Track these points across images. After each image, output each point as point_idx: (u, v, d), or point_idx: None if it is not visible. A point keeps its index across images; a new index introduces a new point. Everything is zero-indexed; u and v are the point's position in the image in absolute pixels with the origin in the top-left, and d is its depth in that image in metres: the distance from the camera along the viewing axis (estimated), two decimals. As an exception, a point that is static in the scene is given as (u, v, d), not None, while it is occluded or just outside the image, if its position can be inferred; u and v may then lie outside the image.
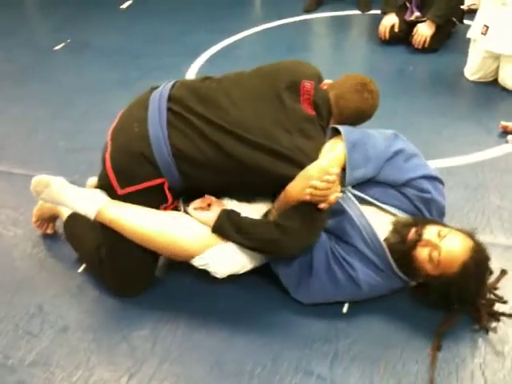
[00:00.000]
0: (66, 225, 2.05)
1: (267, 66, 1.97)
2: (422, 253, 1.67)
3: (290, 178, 1.74)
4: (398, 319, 1.77)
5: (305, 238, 1.73)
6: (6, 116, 3.07)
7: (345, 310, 1.80)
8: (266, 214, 1.84)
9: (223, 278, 1.76)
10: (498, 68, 3.12)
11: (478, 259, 1.65)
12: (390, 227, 1.76)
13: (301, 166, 1.74)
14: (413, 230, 1.70)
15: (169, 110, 1.79)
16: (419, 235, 1.68)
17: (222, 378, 1.62)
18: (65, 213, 2.06)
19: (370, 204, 1.82)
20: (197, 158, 1.74)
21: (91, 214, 1.78)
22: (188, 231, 1.75)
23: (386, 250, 1.73)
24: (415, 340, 1.70)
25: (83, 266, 2.01)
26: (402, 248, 1.69)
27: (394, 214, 1.82)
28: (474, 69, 3.20)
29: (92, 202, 1.79)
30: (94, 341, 1.74)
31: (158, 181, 1.76)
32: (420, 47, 3.57)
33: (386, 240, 1.74)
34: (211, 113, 1.76)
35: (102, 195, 1.82)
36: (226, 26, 4.10)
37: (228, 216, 1.75)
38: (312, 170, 1.72)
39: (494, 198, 2.24)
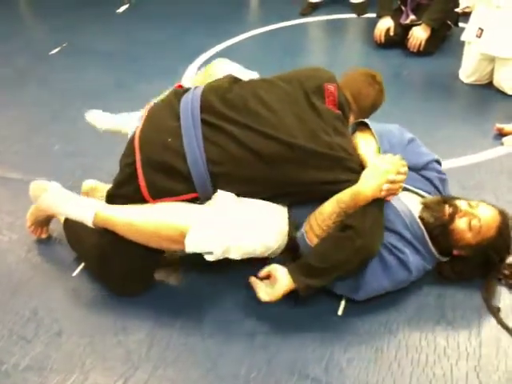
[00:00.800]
0: (66, 225, 2.05)
1: (286, 73, 1.99)
2: (461, 224, 1.77)
3: (340, 182, 1.73)
4: (392, 322, 1.77)
5: (381, 234, 1.73)
6: (1, 120, 3.07)
7: (340, 312, 1.80)
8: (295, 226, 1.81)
9: (218, 283, 1.76)
10: (492, 70, 3.13)
11: (506, 221, 1.82)
12: (420, 207, 1.83)
13: (347, 168, 1.75)
14: (447, 206, 1.80)
15: (202, 121, 1.77)
16: (456, 208, 1.78)
17: (217, 382, 1.61)
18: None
19: None
20: (233, 172, 1.73)
21: (88, 220, 1.79)
22: (172, 211, 1.73)
23: (424, 230, 1.78)
24: (409, 342, 1.70)
25: (78, 270, 2.01)
26: (442, 223, 1.78)
27: (421, 195, 1.89)
28: (469, 71, 3.21)
29: (87, 208, 1.80)
30: (89, 345, 1.74)
31: (192, 195, 1.76)
32: (415, 50, 3.58)
33: (421, 220, 1.80)
34: (246, 118, 1.76)
35: (96, 201, 1.82)
36: (223, 30, 4.11)
37: (296, 271, 1.70)
38: (385, 164, 1.72)
39: (490, 199, 2.24)
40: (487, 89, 3.15)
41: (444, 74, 3.36)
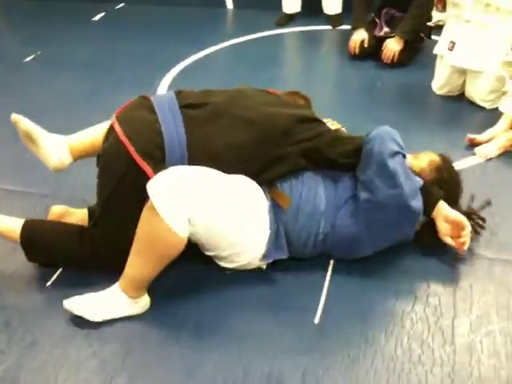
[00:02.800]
0: (27, 235, 1.95)
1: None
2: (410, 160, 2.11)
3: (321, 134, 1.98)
4: (368, 330, 1.78)
5: None
6: (-27, 128, 3.02)
7: (316, 320, 1.81)
8: None
9: (194, 293, 1.75)
10: (464, 82, 3.19)
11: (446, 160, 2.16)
12: None
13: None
14: None
15: (180, 108, 1.90)
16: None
17: (193, 392, 1.61)
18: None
19: None
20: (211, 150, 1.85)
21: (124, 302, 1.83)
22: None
23: None
24: (385, 350, 1.72)
25: (52, 280, 1.98)
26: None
27: None
28: (441, 83, 3.27)
29: (115, 301, 1.83)
30: (63, 356, 1.71)
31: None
32: (389, 62, 3.63)
33: None
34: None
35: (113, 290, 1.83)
36: (199, 40, 4.12)
37: None
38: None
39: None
40: (459, 100, 3.21)
41: (417, 85, 3.42)
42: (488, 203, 2.15)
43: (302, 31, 4.35)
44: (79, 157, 2.05)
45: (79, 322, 1.81)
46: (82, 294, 1.89)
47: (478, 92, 3.09)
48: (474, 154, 2.67)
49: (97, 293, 1.83)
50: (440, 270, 2.00)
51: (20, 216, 2.00)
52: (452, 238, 1.97)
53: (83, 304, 1.81)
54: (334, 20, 4.39)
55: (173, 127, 1.84)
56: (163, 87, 3.43)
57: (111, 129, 1.91)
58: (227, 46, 4.06)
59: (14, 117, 1.97)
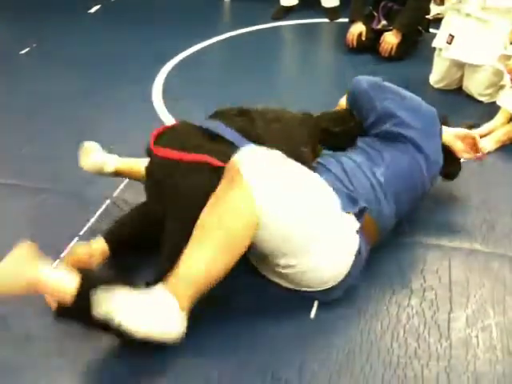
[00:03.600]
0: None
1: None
2: None
3: None
4: (364, 324, 1.78)
5: None
6: (-32, 121, 3.01)
7: (312, 315, 1.81)
8: None
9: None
10: (462, 76, 3.19)
11: None
12: None
13: None
14: None
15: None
16: None
17: (189, 386, 1.60)
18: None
19: None
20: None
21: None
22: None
23: None
24: (381, 344, 1.71)
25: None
26: None
27: None
28: (439, 77, 3.26)
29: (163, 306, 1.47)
30: (58, 350, 1.70)
31: None
32: (387, 55, 3.62)
33: None
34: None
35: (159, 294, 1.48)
36: (195, 32, 4.09)
37: None
38: None
39: (462, 199, 2.28)
40: (457, 94, 3.20)
41: (415, 78, 3.40)
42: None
43: (300, 24, 4.32)
44: (120, 172, 2.16)
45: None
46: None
47: (476, 86, 3.09)
48: (471, 148, 2.66)
49: (138, 293, 1.46)
50: (436, 264, 2.00)
51: (16, 211, 1.98)
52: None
53: (126, 306, 1.42)
54: (332, 13, 4.37)
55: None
56: (160, 80, 3.41)
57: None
58: (224, 39, 4.04)
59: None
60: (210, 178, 1.61)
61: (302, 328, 1.76)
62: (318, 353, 1.69)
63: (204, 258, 1.48)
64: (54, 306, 1.60)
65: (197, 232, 1.49)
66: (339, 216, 1.72)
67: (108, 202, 2.31)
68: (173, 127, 1.93)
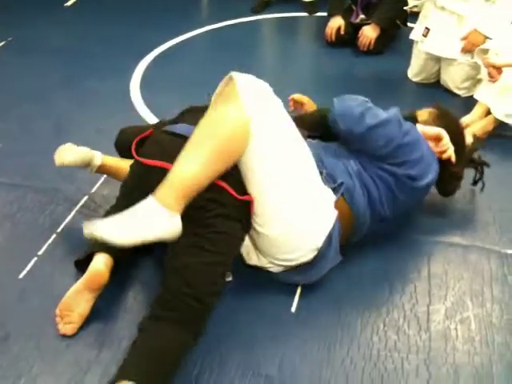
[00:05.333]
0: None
1: None
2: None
3: None
4: (344, 318, 1.79)
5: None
6: None
7: (293, 309, 1.81)
8: None
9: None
10: (439, 70, 3.21)
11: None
12: None
13: None
14: None
15: None
16: None
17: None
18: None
19: None
20: None
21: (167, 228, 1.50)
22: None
23: None
24: (361, 337, 1.72)
25: (25, 272, 1.94)
26: None
27: None
28: (416, 70, 3.28)
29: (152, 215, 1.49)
30: (37, 349, 1.68)
31: None
32: (365, 49, 3.63)
33: None
34: None
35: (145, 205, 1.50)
36: (174, 25, 4.06)
37: None
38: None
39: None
40: (434, 87, 3.22)
41: (393, 72, 3.42)
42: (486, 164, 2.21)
43: (278, 18, 4.31)
44: (105, 167, 2.15)
45: (52, 314, 1.77)
46: (56, 285, 1.87)
47: (453, 79, 3.11)
48: (449, 142, 2.68)
49: (122, 213, 1.49)
50: (415, 257, 2.01)
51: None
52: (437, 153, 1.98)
53: (108, 225, 1.47)
54: (310, 7, 4.36)
55: None
56: (138, 73, 3.37)
57: None
58: (202, 33, 4.01)
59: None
60: None
61: (282, 323, 1.77)
62: (298, 347, 1.69)
63: (193, 162, 1.51)
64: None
65: (190, 141, 1.54)
66: (319, 183, 1.75)
67: (86, 198, 2.28)
68: (151, 137, 1.84)
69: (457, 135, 2.06)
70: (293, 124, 1.72)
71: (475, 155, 2.20)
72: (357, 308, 1.82)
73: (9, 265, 1.98)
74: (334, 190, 1.78)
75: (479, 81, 2.94)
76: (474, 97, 2.85)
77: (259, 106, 1.60)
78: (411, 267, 1.97)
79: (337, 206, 1.77)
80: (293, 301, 1.83)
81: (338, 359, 1.66)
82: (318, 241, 1.72)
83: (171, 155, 1.57)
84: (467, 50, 2.97)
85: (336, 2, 3.85)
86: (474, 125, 2.71)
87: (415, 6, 3.31)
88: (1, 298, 1.86)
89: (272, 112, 1.65)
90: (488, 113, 2.73)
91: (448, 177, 2.04)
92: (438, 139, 1.97)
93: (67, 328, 1.72)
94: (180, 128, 1.76)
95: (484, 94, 2.78)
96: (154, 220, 1.48)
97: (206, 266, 1.57)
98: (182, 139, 1.61)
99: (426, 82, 3.27)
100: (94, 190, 2.32)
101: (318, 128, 2.00)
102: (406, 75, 3.34)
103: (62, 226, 2.14)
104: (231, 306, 1.81)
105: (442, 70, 3.18)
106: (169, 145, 1.71)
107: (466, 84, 3.08)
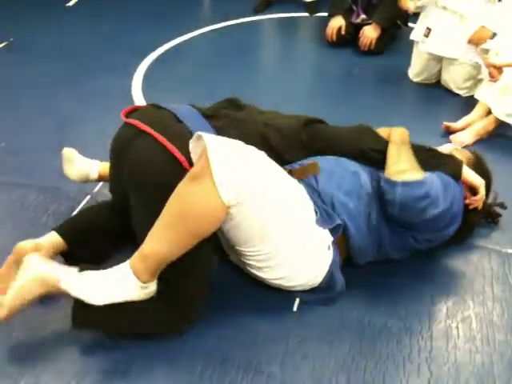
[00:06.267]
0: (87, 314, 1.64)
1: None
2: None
3: None
4: (346, 317, 1.79)
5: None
6: None
7: (295, 308, 1.81)
8: None
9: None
10: (440, 70, 3.21)
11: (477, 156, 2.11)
12: None
13: None
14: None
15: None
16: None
17: (172, 381, 1.60)
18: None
19: None
20: None
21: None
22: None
23: None
24: (364, 336, 1.73)
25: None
26: None
27: None
28: (417, 70, 3.28)
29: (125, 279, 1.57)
30: (39, 347, 1.69)
31: None
32: (366, 49, 3.64)
33: None
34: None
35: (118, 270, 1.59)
36: (175, 26, 4.06)
37: None
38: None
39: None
40: (435, 88, 3.23)
41: (394, 72, 3.43)
42: (503, 206, 2.16)
43: (280, 18, 4.32)
44: (104, 177, 2.15)
45: (55, 312, 1.77)
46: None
47: (454, 79, 3.12)
48: (449, 142, 2.69)
49: (99, 271, 1.59)
50: (416, 256, 2.01)
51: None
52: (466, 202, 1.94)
53: (84, 285, 1.57)
54: (311, 7, 4.37)
55: (198, 123, 1.76)
56: (140, 73, 3.38)
57: (133, 130, 1.73)
58: (204, 33, 4.02)
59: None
60: (163, 162, 1.65)
61: (284, 321, 1.77)
62: (300, 346, 1.69)
63: (166, 240, 1.53)
64: None
65: (164, 216, 1.53)
66: (311, 229, 1.72)
67: (88, 197, 2.29)
68: (144, 107, 1.93)
69: (486, 186, 2.03)
70: (279, 176, 1.65)
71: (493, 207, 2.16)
72: (358, 306, 1.83)
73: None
74: (333, 230, 1.77)
75: (480, 81, 2.95)
76: (475, 97, 2.86)
77: (236, 184, 1.49)
78: (412, 266, 1.97)
79: (336, 241, 1.79)
80: (294, 300, 1.84)
81: (339, 358, 1.66)
82: (312, 280, 1.76)
83: (153, 121, 1.71)
84: (473, 43, 2.96)
85: (337, 2, 3.86)
86: (474, 124, 2.72)
87: (416, 7, 3.31)
88: (3, 296, 1.86)
89: (252, 183, 1.52)
90: (489, 112, 2.73)
91: (463, 224, 1.94)
92: (475, 191, 1.95)
93: None
94: (166, 104, 1.85)
95: (485, 93, 2.78)
96: (127, 290, 1.57)
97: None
98: (166, 111, 1.78)
99: (426, 82, 3.28)
100: (96, 189, 2.33)
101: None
102: (407, 75, 3.35)
103: (64, 225, 2.15)
104: (233, 305, 1.82)
105: (443, 69, 3.18)
106: (152, 113, 1.82)
107: (468, 84, 3.09)
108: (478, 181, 1.95)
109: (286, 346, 1.69)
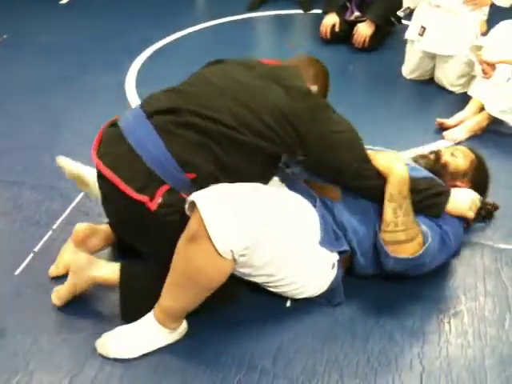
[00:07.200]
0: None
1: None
2: (447, 156, 2.05)
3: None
4: (339, 313, 1.80)
5: None
6: None
7: (288, 304, 1.82)
8: None
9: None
10: (434, 67, 3.22)
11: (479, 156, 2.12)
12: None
13: None
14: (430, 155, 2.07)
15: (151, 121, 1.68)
16: (438, 151, 2.09)
17: (165, 377, 1.60)
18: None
19: None
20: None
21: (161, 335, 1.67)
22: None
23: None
24: (356, 332, 1.74)
25: (20, 268, 1.95)
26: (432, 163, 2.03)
27: None
28: (411, 68, 3.29)
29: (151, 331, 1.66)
30: (33, 344, 1.69)
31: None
32: (360, 46, 3.64)
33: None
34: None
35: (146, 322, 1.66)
36: (170, 23, 4.06)
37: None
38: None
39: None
40: (429, 85, 3.23)
41: (387, 69, 3.44)
42: (495, 207, 2.18)
43: (274, 15, 4.32)
44: None
45: (48, 310, 1.79)
46: (52, 281, 1.88)
47: (448, 76, 3.12)
48: (443, 138, 2.70)
49: (128, 326, 1.67)
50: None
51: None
52: None
53: (117, 343, 1.65)
54: (305, 5, 4.37)
55: (150, 146, 1.62)
56: (134, 70, 3.38)
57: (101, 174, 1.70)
58: (198, 30, 4.02)
59: (60, 161, 2.01)
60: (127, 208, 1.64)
61: (277, 317, 1.78)
62: (293, 341, 1.70)
63: (179, 297, 1.61)
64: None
65: (172, 276, 1.58)
66: (315, 250, 1.72)
67: (82, 194, 2.29)
68: (107, 137, 1.77)
69: (484, 189, 2.09)
70: (279, 207, 1.64)
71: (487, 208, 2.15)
72: (350, 302, 1.83)
73: (5, 261, 1.99)
74: (340, 252, 1.78)
75: (473, 77, 2.96)
76: (468, 93, 2.88)
77: (235, 241, 1.47)
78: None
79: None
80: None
81: (332, 353, 1.67)
82: (318, 293, 1.79)
83: (111, 160, 1.66)
84: (470, 3, 2.97)
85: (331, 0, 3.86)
86: (468, 121, 2.73)
87: (408, 8, 3.31)
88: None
89: (250, 232, 1.49)
90: (482, 109, 2.74)
91: None
92: (465, 216, 1.92)
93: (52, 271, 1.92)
94: (123, 120, 1.74)
95: (478, 90, 2.79)
96: (159, 338, 1.67)
97: None
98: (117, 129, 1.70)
99: (420, 79, 3.28)
100: (89, 186, 2.33)
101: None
102: (400, 72, 3.35)
103: (58, 223, 2.15)
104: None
105: (436, 67, 3.19)
106: (109, 143, 1.73)
107: (461, 81, 3.10)
108: (465, 210, 1.89)
109: (278, 341, 1.70)
